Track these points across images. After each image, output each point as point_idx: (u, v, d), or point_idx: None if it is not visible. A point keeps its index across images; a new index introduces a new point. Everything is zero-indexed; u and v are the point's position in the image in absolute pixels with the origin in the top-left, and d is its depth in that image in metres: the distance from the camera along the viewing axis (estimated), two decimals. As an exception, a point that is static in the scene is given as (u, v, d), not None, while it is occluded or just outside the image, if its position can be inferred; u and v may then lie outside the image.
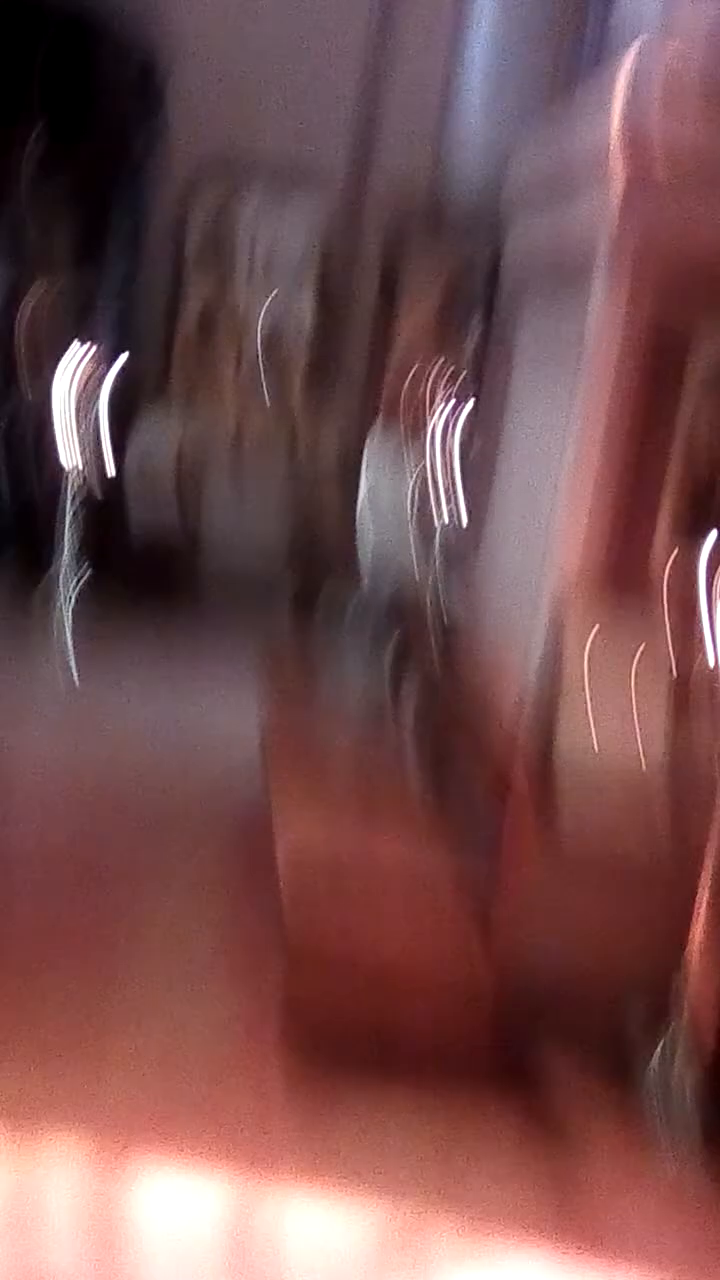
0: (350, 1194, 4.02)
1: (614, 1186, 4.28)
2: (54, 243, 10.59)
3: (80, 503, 8.99)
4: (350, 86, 10.92)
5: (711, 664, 4.52)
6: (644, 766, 4.91)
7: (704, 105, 4.90)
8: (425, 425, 8.16)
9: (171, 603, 10.35)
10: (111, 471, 8.84)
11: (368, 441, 9.81)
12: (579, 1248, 3.95)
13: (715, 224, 4.94)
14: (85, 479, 8.81)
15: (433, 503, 7.75)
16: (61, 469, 8.83)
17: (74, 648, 9.05)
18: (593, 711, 4.88)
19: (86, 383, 8.95)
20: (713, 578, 4.55)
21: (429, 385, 8.28)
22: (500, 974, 4.72)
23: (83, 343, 9.47)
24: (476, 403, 7.40)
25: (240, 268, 11.06)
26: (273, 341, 11.15)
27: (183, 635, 9.97)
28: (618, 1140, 4.51)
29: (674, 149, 4.88)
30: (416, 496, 8.17)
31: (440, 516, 7.52)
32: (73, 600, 9.20)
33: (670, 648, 4.85)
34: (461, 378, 8.01)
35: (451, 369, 8.10)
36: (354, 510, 9.69)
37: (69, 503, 8.97)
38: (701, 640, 4.61)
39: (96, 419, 8.81)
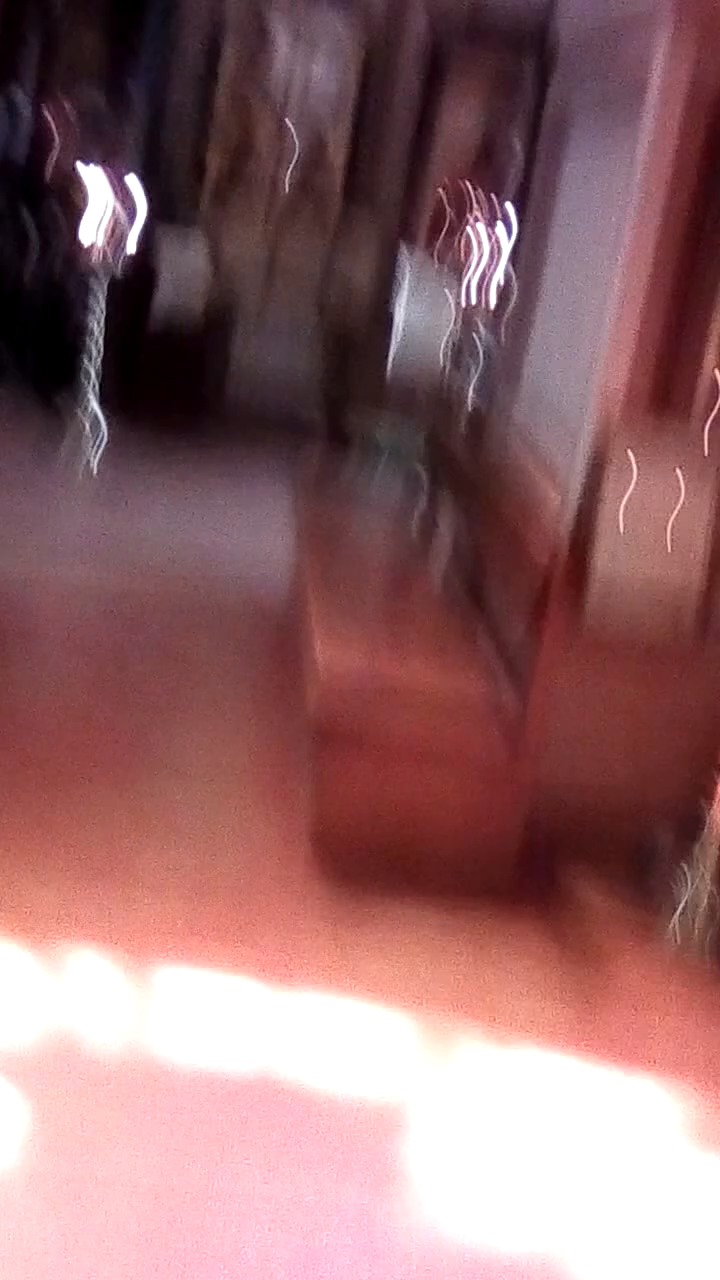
0: (377, 1007, 4.06)
1: (636, 1000, 4.34)
2: (87, 57, 10.41)
3: (107, 315, 8.95)
4: None
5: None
6: (681, 586, 4.87)
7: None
8: (465, 252, 8.04)
9: (201, 426, 10.28)
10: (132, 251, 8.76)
11: (403, 268, 9.68)
12: (601, 1058, 4.01)
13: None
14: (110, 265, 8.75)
15: (472, 326, 7.67)
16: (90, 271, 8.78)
17: (100, 450, 9.04)
18: (631, 532, 4.84)
19: (117, 197, 8.87)
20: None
21: (470, 211, 8.14)
22: (528, 790, 4.76)
23: (113, 159, 9.38)
24: (519, 227, 7.27)
25: (275, 89, 10.81)
26: (309, 165, 10.94)
27: (212, 457, 9.92)
28: (640, 955, 4.58)
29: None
30: (455, 322, 8.08)
31: (480, 339, 7.43)
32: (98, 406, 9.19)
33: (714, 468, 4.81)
34: (503, 203, 7.86)
35: (492, 194, 7.94)
36: (387, 337, 9.59)
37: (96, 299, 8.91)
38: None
39: (124, 229, 8.74)
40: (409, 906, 4.58)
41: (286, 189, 10.95)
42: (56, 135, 10.06)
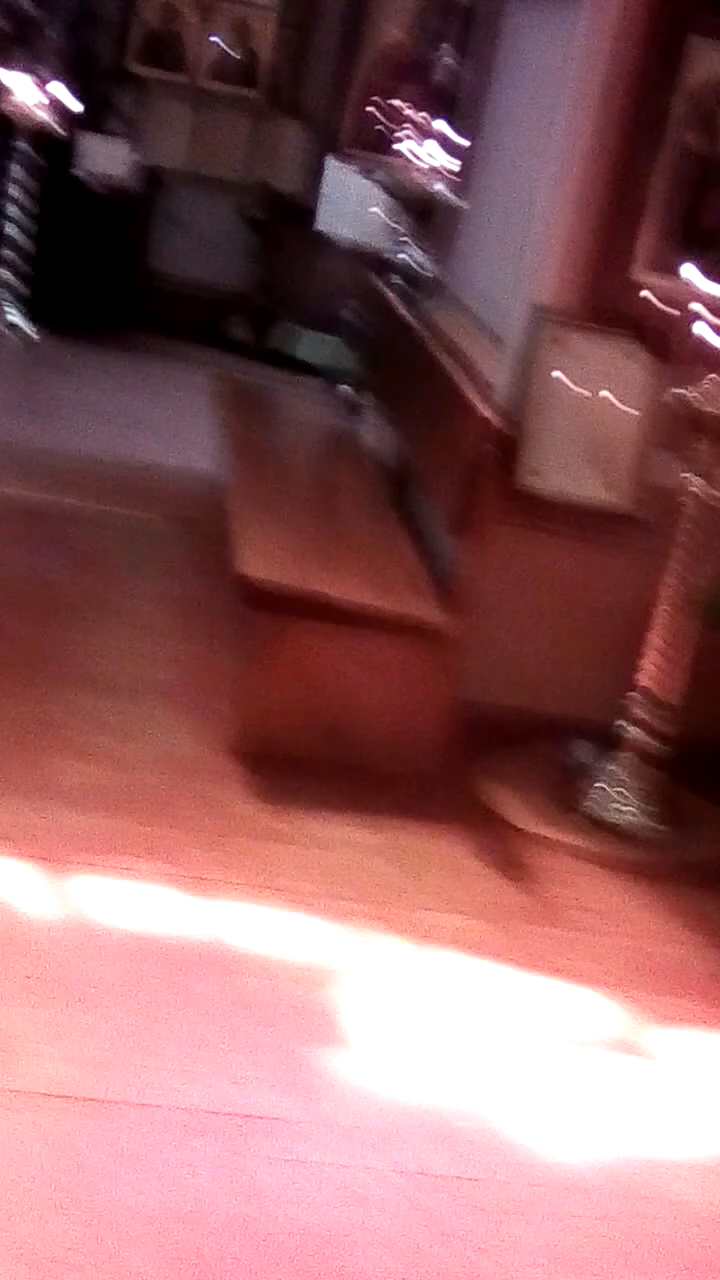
0: (300, 909, 4.05)
1: (554, 914, 4.34)
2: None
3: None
4: None
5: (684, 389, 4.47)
6: (608, 489, 4.86)
7: None
8: (395, 164, 7.94)
9: (122, 323, 10.15)
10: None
11: (331, 180, 9.55)
12: (523, 965, 4.02)
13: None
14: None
15: (402, 237, 7.58)
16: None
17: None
18: (561, 433, 4.81)
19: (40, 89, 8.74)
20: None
21: (400, 123, 8.02)
22: (455, 688, 4.74)
23: (38, 63, 9.22)
24: (450, 139, 7.17)
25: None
26: (235, 72, 10.77)
27: (135, 356, 9.80)
28: (559, 870, 4.57)
29: None
30: (384, 234, 7.99)
31: (410, 250, 7.34)
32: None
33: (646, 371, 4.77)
34: (435, 116, 7.74)
35: (424, 106, 7.82)
36: (314, 250, 9.48)
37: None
38: (677, 365, 4.56)
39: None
40: (332, 822, 4.55)
41: (212, 96, 10.77)
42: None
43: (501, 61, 6.16)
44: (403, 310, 6.55)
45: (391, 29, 10.01)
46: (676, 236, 4.89)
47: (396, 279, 7.29)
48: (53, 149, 9.52)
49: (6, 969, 3.55)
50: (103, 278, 10.18)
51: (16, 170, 9.39)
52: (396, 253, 7.52)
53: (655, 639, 4.68)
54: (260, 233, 10.78)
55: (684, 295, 4.50)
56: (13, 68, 9.19)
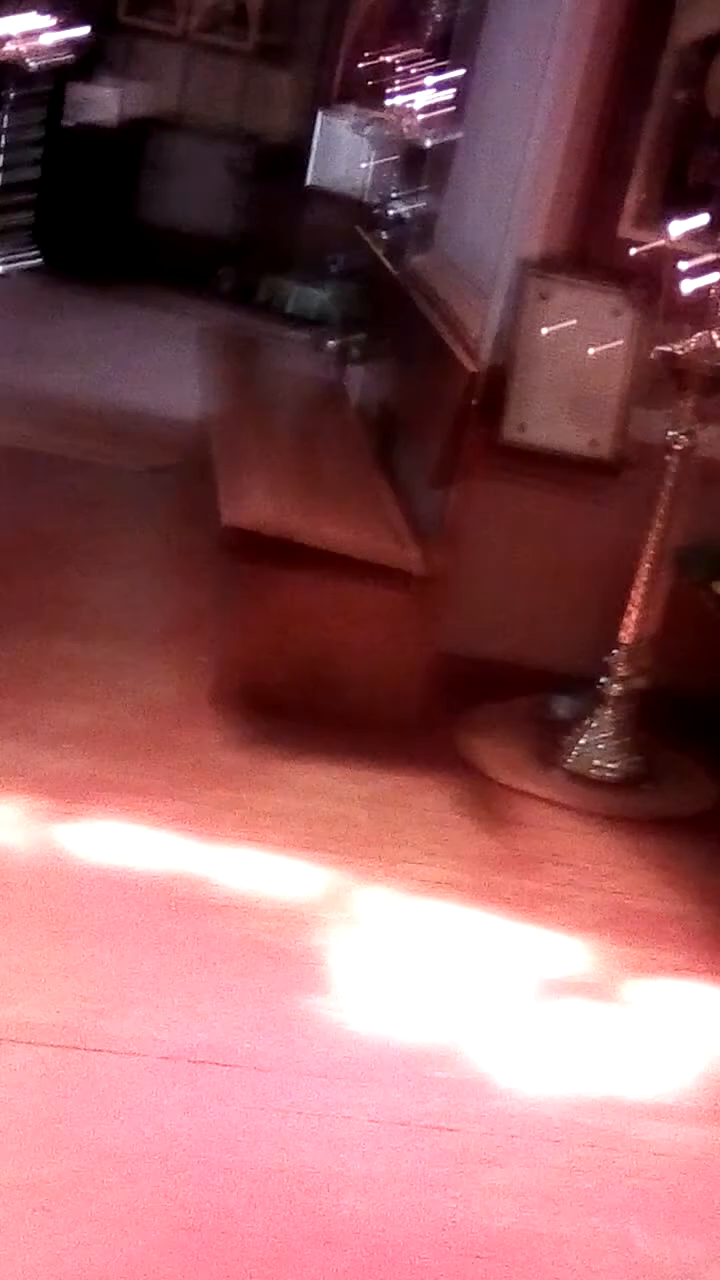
0: (280, 856, 4.07)
1: (532, 866, 4.36)
2: None
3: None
4: None
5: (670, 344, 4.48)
6: (593, 443, 4.87)
7: None
8: (385, 115, 7.90)
9: (113, 272, 10.11)
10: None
11: (320, 129, 9.51)
12: (501, 915, 4.04)
13: None
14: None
15: (390, 188, 7.55)
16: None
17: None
18: (546, 387, 4.81)
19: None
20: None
21: (391, 74, 7.97)
22: (437, 639, 4.77)
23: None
24: (439, 89, 7.14)
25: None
26: (224, 20, 10.70)
27: (124, 305, 9.76)
28: (538, 822, 4.60)
29: None
30: (372, 175, 7.96)
31: (398, 200, 7.32)
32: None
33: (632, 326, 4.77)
34: (424, 54, 7.71)
35: (414, 44, 7.79)
36: (300, 192, 9.44)
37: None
38: (663, 320, 4.56)
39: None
40: (312, 771, 4.56)
41: (203, 47, 10.70)
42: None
43: (492, 15, 6.13)
44: (391, 264, 6.54)
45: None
46: (664, 192, 4.89)
47: (385, 233, 7.27)
48: (45, 98, 9.48)
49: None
50: (94, 226, 10.15)
51: (8, 118, 9.34)
52: (386, 206, 7.49)
53: (637, 593, 4.70)
54: (250, 185, 10.73)
55: (671, 251, 4.50)
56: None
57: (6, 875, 3.73)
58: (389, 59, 7.82)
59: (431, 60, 7.55)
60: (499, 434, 4.83)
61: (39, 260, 9.58)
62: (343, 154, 9.07)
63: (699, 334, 4.46)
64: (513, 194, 5.12)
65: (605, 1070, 3.54)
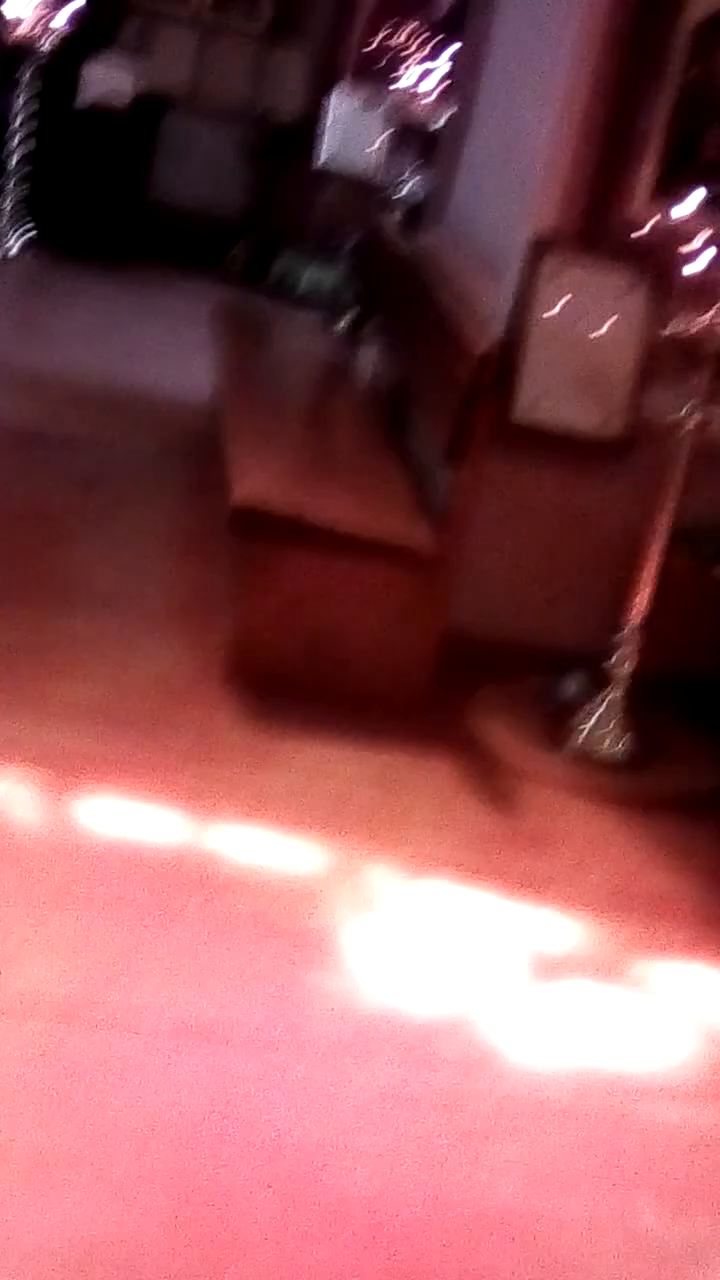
0: (288, 832, 4.08)
1: (539, 845, 4.36)
2: None
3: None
4: None
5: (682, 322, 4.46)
6: (604, 422, 4.85)
7: None
8: (397, 92, 7.89)
9: (124, 251, 10.10)
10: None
11: (332, 106, 9.47)
12: (507, 893, 4.05)
13: None
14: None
15: (403, 165, 7.54)
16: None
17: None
18: (557, 365, 4.79)
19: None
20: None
21: (403, 50, 7.97)
22: (446, 618, 4.77)
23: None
24: (453, 65, 7.12)
25: None
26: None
27: (136, 284, 9.75)
28: (545, 800, 4.60)
29: None
30: (384, 152, 7.94)
31: (410, 178, 7.31)
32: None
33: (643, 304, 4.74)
34: (437, 44, 7.69)
35: (426, 22, 7.77)
36: (312, 171, 9.41)
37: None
38: (675, 298, 4.53)
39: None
40: (321, 748, 4.57)
41: (215, 26, 10.69)
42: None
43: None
44: (402, 242, 6.52)
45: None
46: (676, 170, 4.86)
47: (396, 211, 7.26)
48: (58, 78, 9.48)
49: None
50: (105, 205, 10.15)
51: (23, 98, 9.33)
52: (397, 185, 7.48)
53: (646, 573, 4.69)
54: (261, 163, 10.72)
55: (683, 228, 4.48)
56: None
57: (15, 850, 3.74)
58: (400, 38, 7.79)
59: (442, 39, 7.54)
60: (509, 413, 4.81)
61: (34, 233, 9.55)
62: (353, 133, 9.04)
63: (710, 312, 4.43)
64: (524, 172, 5.11)
65: (610, 1049, 3.55)
